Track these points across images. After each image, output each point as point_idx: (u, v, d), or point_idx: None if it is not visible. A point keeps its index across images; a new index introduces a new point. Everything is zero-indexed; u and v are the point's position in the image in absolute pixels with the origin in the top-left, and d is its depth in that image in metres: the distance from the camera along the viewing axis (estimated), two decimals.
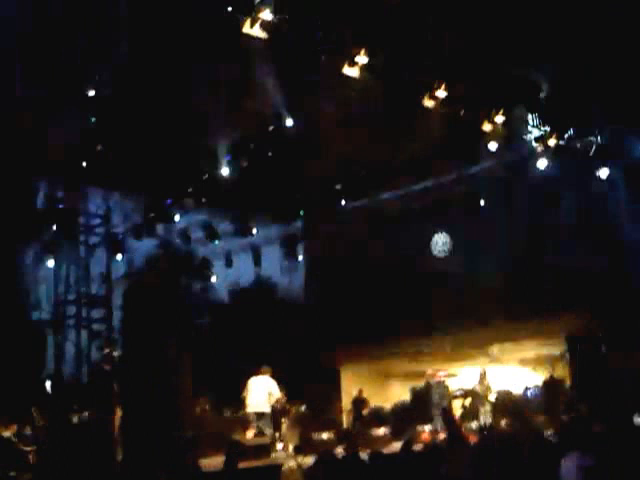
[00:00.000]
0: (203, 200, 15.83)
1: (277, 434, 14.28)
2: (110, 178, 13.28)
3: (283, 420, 14.45)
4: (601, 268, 16.15)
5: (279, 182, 15.93)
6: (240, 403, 14.65)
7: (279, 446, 13.97)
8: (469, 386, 17.79)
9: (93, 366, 12.58)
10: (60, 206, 14.04)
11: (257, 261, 19.54)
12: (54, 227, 14.10)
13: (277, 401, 14.11)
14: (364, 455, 8.68)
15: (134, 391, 12.36)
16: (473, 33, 12.05)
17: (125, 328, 13.69)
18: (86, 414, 11.73)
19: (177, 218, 16.36)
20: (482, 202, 16.86)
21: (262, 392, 13.96)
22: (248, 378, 14.31)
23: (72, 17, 9.80)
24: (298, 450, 12.69)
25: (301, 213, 17.72)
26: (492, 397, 16.79)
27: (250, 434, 13.72)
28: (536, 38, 12.30)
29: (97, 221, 13.39)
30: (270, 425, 13.96)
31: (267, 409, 13.89)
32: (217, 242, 18.37)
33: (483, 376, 16.98)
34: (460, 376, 20.00)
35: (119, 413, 12.35)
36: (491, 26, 12.12)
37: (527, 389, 17.43)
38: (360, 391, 18.45)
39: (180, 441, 11.83)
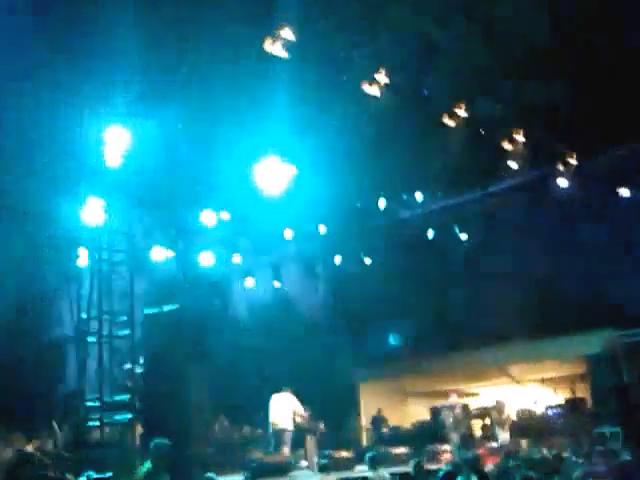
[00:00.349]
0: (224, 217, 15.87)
1: (302, 451, 14.30)
2: (134, 195, 13.38)
3: (309, 438, 14.45)
4: (621, 287, 16.07)
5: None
6: (258, 420, 14.76)
7: (303, 463, 13.97)
8: (489, 405, 17.75)
9: (114, 382, 12.64)
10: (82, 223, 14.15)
11: (277, 278, 19.60)
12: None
13: (302, 418, 14.15)
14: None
15: (154, 407, 12.44)
16: (494, 51, 12.09)
17: (146, 345, 13.81)
18: (107, 430, 11.81)
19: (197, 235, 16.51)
20: (501, 220, 16.85)
21: (285, 409, 14.02)
22: (266, 396, 14.42)
23: None
24: (322, 468, 12.70)
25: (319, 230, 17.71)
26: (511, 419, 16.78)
27: (285, 450, 13.78)
28: (555, 58, 12.34)
29: (120, 238, 13.48)
30: (289, 442, 13.98)
31: (290, 426, 13.93)
32: (237, 259, 18.48)
33: (501, 409, 16.87)
34: (481, 396, 19.93)
35: (139, 429, 12.45)
36: (511, 45, 12.17)
37: (549, 408, 17.33)
38: (379, 410, 18.43)
39: (200, 457, 11.88)
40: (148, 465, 7.58)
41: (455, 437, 16.05)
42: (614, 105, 12.83)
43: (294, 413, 14.08)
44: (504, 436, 15.91)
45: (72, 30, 9.52)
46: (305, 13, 10.24)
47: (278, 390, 14.35)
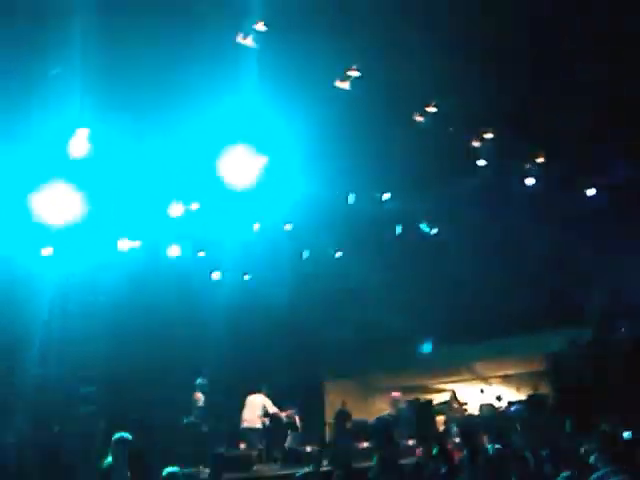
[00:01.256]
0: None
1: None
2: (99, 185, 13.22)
3: (289, 433, 15.21)
4: (583, 286, 16.30)
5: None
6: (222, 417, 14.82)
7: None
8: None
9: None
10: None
11: (244, 272, 19.47)
12: None
13: (274, 416, 14.85)
14: None
15: (118, 400, 12.35)
16: (463, 50, 12.14)
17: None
18: (71, 422, 11.68)
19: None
20: (467, 218, 16.93)
21: (256, 409, 14.58)
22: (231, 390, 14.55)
23: None
24: (285, 463, 12.74)
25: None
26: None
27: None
28: (521, 58, 12.44)
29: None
30: (260, 439, 14.30)
31: (258, 425, 14.51)
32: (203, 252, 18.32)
33: (453, 399, 17.14)
34: (446, 392, 20.06)
35: (103, 422, 12.32)
36: (480, 44, 12.23)
37: (511, 404, 17.50)
38: (343, 404, 18.44)
39: (163, 450, 11.79)
40: (109, 460, 7.52)
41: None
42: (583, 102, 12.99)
43: (264, 412, 14.57)
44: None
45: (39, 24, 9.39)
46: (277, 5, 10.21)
47: (252, 390, 14.85)
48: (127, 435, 7.58)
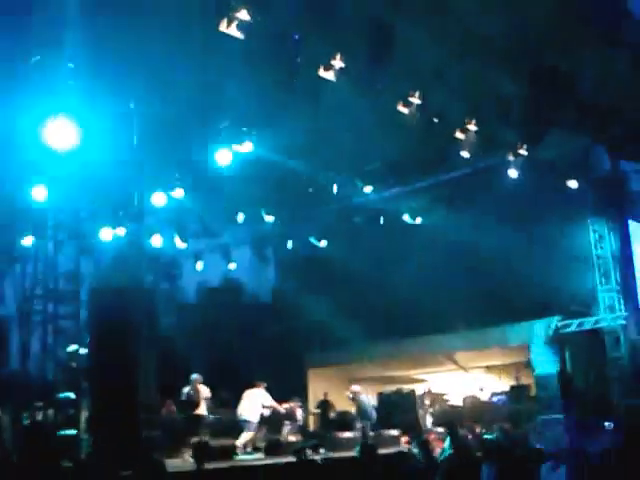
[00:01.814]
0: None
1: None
2: (81, 174, 13.11)
3: (287, 423, 15.74)
4: (565, 277, 16.41)
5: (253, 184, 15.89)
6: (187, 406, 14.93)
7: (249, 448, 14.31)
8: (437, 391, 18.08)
9: (59, 363, 12.42)
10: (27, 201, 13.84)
11: (227, 261, 19.47)
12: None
13: (271, 408, 15.17)
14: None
15: (100, 389, 12.25)
16: (449, 42, 12.16)
17: (91, 326, 13.58)
18: (51, 412, 11.61)
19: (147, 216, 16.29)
20: (451, 209, 16.96)
21: (253, 402, 14.79)
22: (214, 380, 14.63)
23: None
24: (269, 452, 12.78)
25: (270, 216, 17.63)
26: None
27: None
28: (507, 49, 12.47)
29: (66, 216, 13.22)
30: (253, 431, 14.56)
31: (255, 419, 14.66)
32: (187, 242, 18.26)
33: (427, 394, 17.36)
34: (429, 382, 20.18)
35: (85, 411, 12.25)
36: (466, 35, 12.26)
37: (493, 395, 17.63)
38: (325, 394, 18.51)
39: (146, 440, 11.76)
40: None
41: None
42: (565, 97, 13.05)
43: (261, 405, 14.77)
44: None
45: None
46: None
47: (252, 386, 14.93)
48: None
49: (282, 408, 15.57)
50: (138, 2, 9.77)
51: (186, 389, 14.69)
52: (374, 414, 16.29)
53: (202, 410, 14.52)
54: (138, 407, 12.41)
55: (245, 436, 14.48)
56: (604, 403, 15.37)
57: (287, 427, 15.88)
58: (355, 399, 16.37)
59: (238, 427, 14.84)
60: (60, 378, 12.13)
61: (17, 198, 12.50)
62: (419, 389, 19.06)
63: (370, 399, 17.09)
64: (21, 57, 9.84)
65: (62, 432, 9.83)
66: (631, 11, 13.76)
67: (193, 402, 14.45)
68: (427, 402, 18.00)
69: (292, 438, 15.08)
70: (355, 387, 16.76)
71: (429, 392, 18.65)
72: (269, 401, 15.07)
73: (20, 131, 10.92)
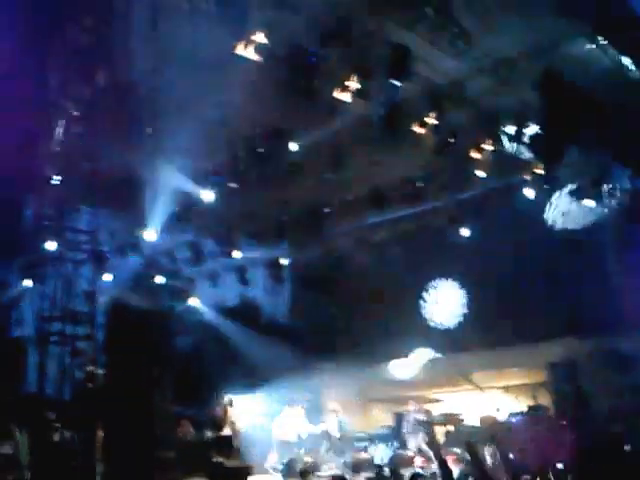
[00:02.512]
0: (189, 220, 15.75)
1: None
2: (98, 195, 13.22)
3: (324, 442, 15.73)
4: (582, 296, 16.30)
5: (266, 204, 15.96)
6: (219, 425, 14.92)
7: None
8: (453, 412, 17.88)
9: (76, 384, 12.44)
10: (46, 222, 13.96)
11: (242, 282, 19.47)
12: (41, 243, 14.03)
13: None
14: None
15: (116, 410, 12.26)
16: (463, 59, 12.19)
17: (108, 347, 13.62)
18: (68, 433, 11.61)
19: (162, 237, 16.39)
20: (467, 229, 16.90)
21: (291, 423, 15.30)
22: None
23: None
24: (285, 474, 12.73)
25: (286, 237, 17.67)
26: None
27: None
28: (520, 70, 12.48)
29: (84, 238, 13.30)
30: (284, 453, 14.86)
31: (292, 439, 15.13)
32: (202, 263, 18.32)
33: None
34: (445, 402, 20.03)
35: (101, 432, 12.26)
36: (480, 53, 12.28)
37: (511, 415, 17.46)
38: (337, 413, 18.40)
39: (161, 461, 11.76)
40: None
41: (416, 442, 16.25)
42: (583, 113, 13.01)
43: (299, 426, 15.24)
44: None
45: None
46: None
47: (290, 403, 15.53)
48: None
49: (319, 429, 15.70)
50: None
51: (218, 409, 14.87)
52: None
53: (228, 431, 14.63)
54: (154, 428, 12.44)
55: (273, 456, 14.76)
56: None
57: (324, 447, 15.80)
58: (334, 418, 16.34)
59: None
60: (77, 399, 12.16)
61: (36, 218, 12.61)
62: (435, 409, 18.92)
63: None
64: None
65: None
66: None
67: (220, 423, 14.59)
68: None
69: (308, 459, 14.97)
70: (335, 405, 16.60)
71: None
72: (305, 424, 15.34)
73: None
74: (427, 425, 17.07)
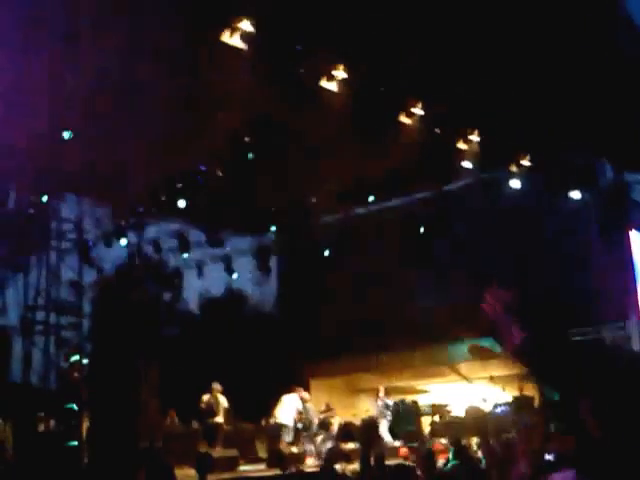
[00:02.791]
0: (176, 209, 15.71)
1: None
2: (83, 184, 13.15)
3: (320, 432, 15.62)
4: (570, 287, 16.35)
5: (253, 194, 15.91)
6: (206, 414, 14.90)
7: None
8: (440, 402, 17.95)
9: (61, 374, 12.38)
10: (31, 210, 13.88)
11: (229, 272, 19.45)
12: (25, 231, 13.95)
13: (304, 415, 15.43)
14: None
15: (101, 400, 12.21)
16: (451, 53, 12.18)
17: (94, 336, 13.56)
18: (53, 422, 11.57)
19: (148, 227, 16.37)
20: (454, 219, 16.92)
21: (289, 407, 15.17)
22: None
23: None
24: (270, 464, 12.72)
25: (272, 227, 17.64)
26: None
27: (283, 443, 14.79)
28: (509, 61, 12.49)
29: (69, 227, 13.20)
30: (287, 437, 14.86)
31: (290, 423, 15.01)
32: (189, 252, 18.27)
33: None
34: (432, 393, 20.09)
35: (86, 422, 12.22)
36: (467, 48, 12.28)
37: (497, 406, 17.53)
38: (327, 405, 18.44)
39: (149, 450, 11.73)
40: None
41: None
42: (569, 107, 13.07)
43: (297, 411, 15.11)
44: None
45: None
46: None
47: (290, 390, 15.34)
48: None
49: (316, 417, 15.70)
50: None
51: (206, 397, 14.80)
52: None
53: (219, 419, 14.63)
54: (140, 418, 12.41)
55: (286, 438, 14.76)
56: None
57: (320, 437, 15.69)
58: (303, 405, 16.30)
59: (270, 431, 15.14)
60: (62, 388, 12.10)
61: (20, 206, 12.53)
62: (422, 400, 18.98)
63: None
64: None
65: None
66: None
67: (212, 410, 14.58)
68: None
69: (294, 449, 14.97)
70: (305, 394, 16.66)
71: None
72: (302, 408, 15.30)
73: None
74: (391, 409, 17.17)
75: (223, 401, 14.83)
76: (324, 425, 15.81)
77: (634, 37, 13.53)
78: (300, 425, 15.35)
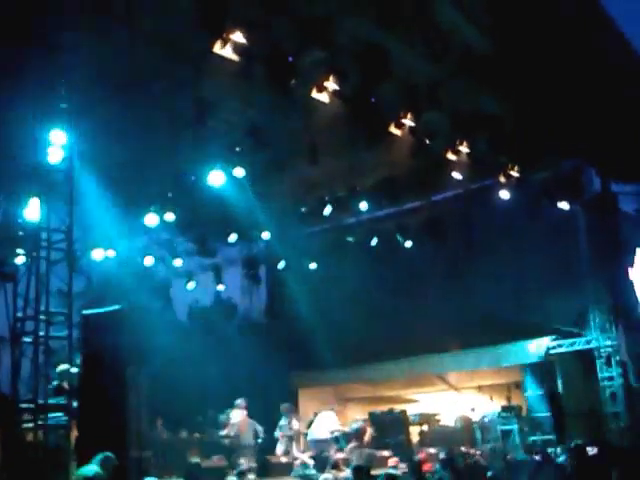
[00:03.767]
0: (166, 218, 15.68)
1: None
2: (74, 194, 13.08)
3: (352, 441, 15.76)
4: (557, 298, 16.47)
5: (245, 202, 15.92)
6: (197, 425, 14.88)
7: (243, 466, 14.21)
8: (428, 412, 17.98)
9: (50, 384, 12.30)
10: (20, 220, 13.79)
11: (218, 281, 19.42)
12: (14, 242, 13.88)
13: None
14: None
15: (90, 410, 12.15)
16: (440, 64, 12.28)
17: (83, 347, 13.48)
18: (41, 433, 11.48)
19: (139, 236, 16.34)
20: (442, 231, 16.97)
21: (325, 425, 16.12)
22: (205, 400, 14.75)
23: None
24: (259, 474, 12.71)
25: (262, 235, 17.63)
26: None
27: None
28: (497, 71, 12.61)
29: (59, 236, 13.12)
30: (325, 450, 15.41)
31: (328, 436, 15.88)
32: (178, 261, 18.24)
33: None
34: (420, 402, 20.14)
35: (75, 432, 12.15)
36: (457, 58, 12.39)
37: (484, 416, 17.61)
38: (316, 414, 18.41)
39: (137, 461, 11.68)
40: (97, 469, 8.36)
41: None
42: (557, 118, 13.18)
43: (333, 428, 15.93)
44: None
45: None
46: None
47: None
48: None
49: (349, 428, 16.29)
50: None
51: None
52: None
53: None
54: (129, 427, 12.35)
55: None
56: (595, 425, 15.46)
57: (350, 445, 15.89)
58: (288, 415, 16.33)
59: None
60: (50, 399, 12.02)
61: (8, 216, 12.46)
62: (411, 409, 19.01)
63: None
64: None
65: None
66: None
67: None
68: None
69: (284, 459, 14.96)
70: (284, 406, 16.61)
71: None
72: (337, 425, 16.12)
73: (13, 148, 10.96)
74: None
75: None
76: (358, 436, 16.05)
77: (621, 45, 13.67)
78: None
